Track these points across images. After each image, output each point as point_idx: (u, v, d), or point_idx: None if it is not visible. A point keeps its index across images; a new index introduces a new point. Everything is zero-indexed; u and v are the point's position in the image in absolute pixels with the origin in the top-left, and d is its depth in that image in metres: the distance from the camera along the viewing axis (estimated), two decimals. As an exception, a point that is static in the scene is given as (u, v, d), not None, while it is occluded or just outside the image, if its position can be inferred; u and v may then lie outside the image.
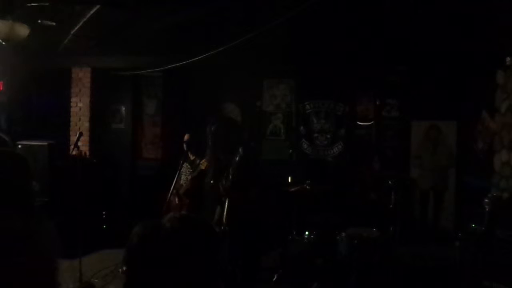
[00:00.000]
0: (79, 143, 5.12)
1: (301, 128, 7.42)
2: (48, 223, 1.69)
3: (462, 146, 6.61)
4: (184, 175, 5.13)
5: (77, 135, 4.95)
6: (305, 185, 5.11)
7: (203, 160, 4.94)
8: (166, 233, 1.15)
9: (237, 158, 3.53)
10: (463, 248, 4.25)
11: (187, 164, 5.13)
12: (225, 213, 3.55)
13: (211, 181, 3.90)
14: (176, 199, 5.12)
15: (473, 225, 4.22)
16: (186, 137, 5.10)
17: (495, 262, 3.82)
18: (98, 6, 4.67)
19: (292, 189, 5.15)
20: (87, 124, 7.17)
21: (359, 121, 7.26)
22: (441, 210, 6.53)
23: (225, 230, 3.47)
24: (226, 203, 3.55)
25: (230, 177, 3.55)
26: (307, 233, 5.05)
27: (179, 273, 1.13)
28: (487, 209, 4.00)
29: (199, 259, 1.16)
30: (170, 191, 4.95)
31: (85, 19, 5.08)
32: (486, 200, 4.05)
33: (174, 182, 4.84)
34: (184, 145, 5.00)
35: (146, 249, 1.14)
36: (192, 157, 5.13)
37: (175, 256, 1.13)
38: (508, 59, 5.14)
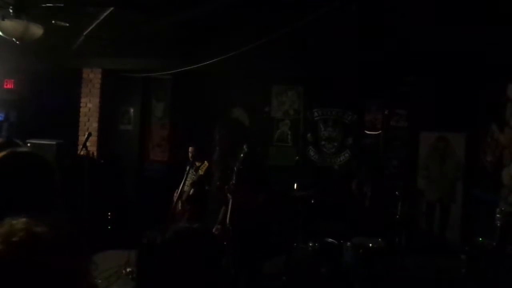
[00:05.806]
0: (88, 143, 5.15)
1: (309, 135, 7.39)
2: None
3: (470, 159, 6.56)
4: (188, 181, 5.17)
5: (86, 135, 4.98)
6: (311, 192, 5.09)
7: (202, 165, 5.01)
8: (168, 243, 1.23)
9: (241, 155, 3.52)
10: (469, 262, 4.20)
11: (192, 170, 5.18)
12: (228, 213, 3.54)
13: (218, 183, 3.91)
14: (180, 205, 5.16)
15: (480, 239, 4.16)
16: (190, 149, 5.27)
17: (505, 277, 3.76)
18: (111, 8, 4.72)
19: (298, 196, 5.13)
20: (95, 125, 7.21)
21: (367, 130, 7.23)
22: (448, 222, 6.48)
23: (228, 229, 3.48)
24: (230, 203, 3.55)
25: (235, 175, 3.55)
26: (311, 241, 5.03)
27: (182, 279, 1.20)
28: (498, 224, 3.89)
29: (199, 268, 1.23)
30: (176, 197, 4.99)
31: (98, 21, 5.13)
32: (498, 215, 3.93)
33: (179, 188, 4.87)
34: (190, 155, 5.19)
35: (152, 254, 1.22)
36: (197, 164, 5.19)
37: (176, 263, 1.21)
38: (519, 72, 5.12)
